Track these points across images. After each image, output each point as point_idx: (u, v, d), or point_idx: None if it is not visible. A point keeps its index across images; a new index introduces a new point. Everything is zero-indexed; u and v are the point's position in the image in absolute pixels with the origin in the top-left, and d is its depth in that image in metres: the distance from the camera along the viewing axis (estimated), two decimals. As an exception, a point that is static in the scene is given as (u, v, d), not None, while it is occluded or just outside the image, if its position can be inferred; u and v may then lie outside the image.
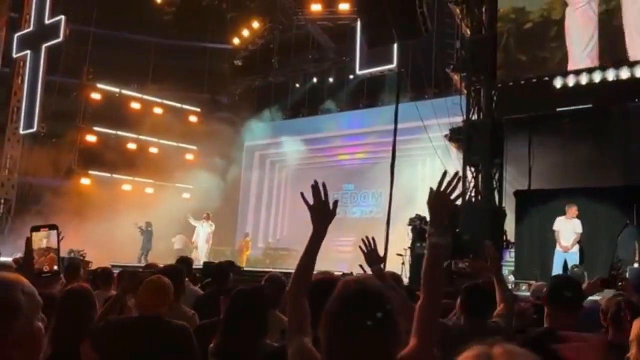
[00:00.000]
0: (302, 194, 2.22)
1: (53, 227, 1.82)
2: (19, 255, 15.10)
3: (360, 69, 16.39)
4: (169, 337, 3.04)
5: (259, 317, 2.62)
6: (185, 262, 5.66)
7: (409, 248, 11.60)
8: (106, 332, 2.97)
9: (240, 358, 2.64)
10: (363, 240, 3.14)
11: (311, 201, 2.11)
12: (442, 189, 2.04)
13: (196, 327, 3.81)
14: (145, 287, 3.18)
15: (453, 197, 2.04)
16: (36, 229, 1.79)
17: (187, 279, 4.78)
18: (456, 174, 2.09)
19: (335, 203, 2.11)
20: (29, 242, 1.74)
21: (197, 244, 15.97)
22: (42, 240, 1.77)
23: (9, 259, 13.61)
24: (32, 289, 1.39)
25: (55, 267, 1.76)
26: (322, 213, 2.09)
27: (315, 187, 2.11)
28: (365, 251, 3.12)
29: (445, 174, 2.07)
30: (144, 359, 2.96)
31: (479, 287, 3.30)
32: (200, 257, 15.49)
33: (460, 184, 2.08)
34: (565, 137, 11.23)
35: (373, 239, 3.18)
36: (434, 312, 1.92)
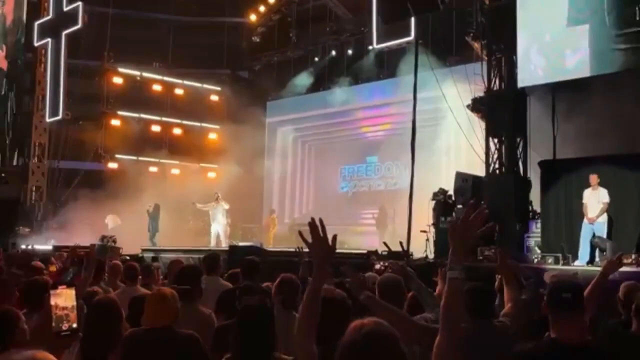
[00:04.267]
0: (300, 233, 2.21)
1: (71, 285, 1.89)
2: (53, 242, 15.50)
3: (378, 43, 16.09)
4: (177, 347, 3.17)
5: (266, 331, 2.71)
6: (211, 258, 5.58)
7: (433, 224, 11.57)
8: (122, 343, 3.11)
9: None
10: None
11: (309, 239, 2.07)
12: (466, 222, 1.90)
13: (216, 328, 3.87)
14: (148, 303, 3.32)
15: (477, 232, 1.90)
16: (54, 286, 1.86)
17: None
18: (479, 205, 1.96)
19: (334, 237, 2.07)
20: (47, 301, 1.80)
21: (214, 226, 15.79)
22: (60, 298, 1.84)
23: (46, 247, 14.04)
24: None
25: (74, 325, 1.82)
26: (322, 249, 2.05)
27: (312, 224, 2.05)
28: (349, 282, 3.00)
29: (470, 205, 1.95)
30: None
31: (479, 288, 3.13)
32: (221, 237, 15.58)
33: (486, 217, 1.89)
34: (590, 104, 10.92)
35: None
36: (451, 347, 1.85)
